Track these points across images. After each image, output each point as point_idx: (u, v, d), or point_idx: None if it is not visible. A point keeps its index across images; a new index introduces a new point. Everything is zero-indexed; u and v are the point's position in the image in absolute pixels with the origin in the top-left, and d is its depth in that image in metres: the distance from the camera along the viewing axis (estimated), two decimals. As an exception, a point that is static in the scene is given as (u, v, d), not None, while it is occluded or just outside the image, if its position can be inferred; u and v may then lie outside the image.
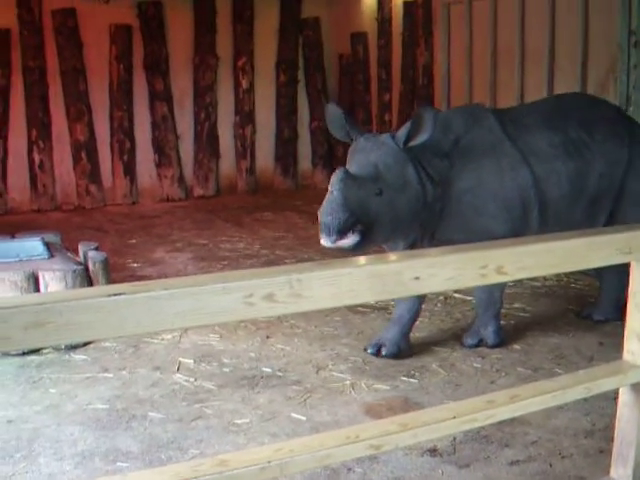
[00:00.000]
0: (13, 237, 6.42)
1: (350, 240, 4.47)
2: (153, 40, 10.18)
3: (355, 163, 4.73)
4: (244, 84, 10.62)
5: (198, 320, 2.08)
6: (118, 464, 3.89)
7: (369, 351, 5.13)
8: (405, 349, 5.11)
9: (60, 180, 9.84)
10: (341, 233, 4.44)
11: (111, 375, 4.88)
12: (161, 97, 10.21)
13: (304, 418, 4.29)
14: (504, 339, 5.26)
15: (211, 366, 4.98)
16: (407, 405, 4.38)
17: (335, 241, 4.45)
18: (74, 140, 9.88)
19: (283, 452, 2.50)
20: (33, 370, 5.00)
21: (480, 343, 5.22)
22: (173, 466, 3.08)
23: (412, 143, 4.68)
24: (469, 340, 5.25)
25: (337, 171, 4.56)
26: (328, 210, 4.47)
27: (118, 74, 10.10)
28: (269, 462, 2.43)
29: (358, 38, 10.74)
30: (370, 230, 4.54)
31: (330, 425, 4.14)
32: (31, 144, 9.73)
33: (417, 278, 2.42)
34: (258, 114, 10.75)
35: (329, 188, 4.52)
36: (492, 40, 8.37)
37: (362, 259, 2.49)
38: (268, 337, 5.41)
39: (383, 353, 5.07)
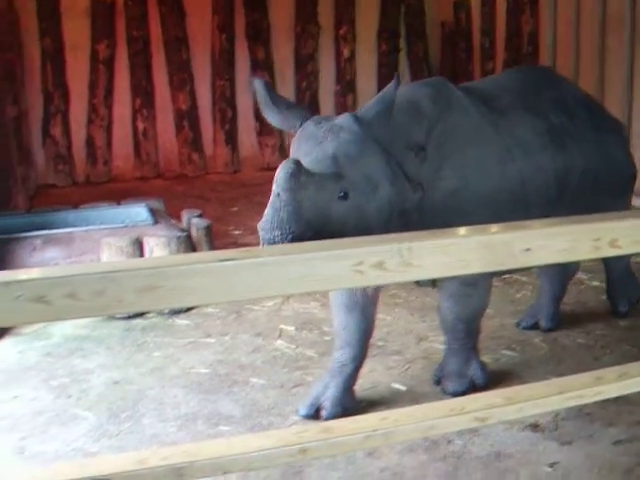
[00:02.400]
0: (118, 204, 6.56)
1: None
2: (255, 9, 10.18)
3: (305, 156, 3.51)
4: (345, 53, 10.55)
5: (307, 287, 2.08)
6: (220, 428, 3.95)
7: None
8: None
9: (163, 148, 9.98)
10: None
11: (213, 340, 4.95)
12: (262, 66, 10.22)
13: (404, 388, 4.27)
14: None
15: (312, 334, 5.00)
16: (509, 378, 4.31)
17: None
18: (177, 108, 10.00)
19: (388, 421, 2.49)
20: (138, 333, 5.12)
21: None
22: (278, 431, 3.11)
23: (384, 122, 3.62)
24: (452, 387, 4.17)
25: (284, 164, 3.39)
26: (274, 222, 3.31)
27: (220, 43, 10.15)
28: (374, 431, 2.43)
29: (461, 5, 10.53)
30: None
31: (430, 396, 4.11)
32: (135, 113, 9.89)
33: (528, 249, 2.36)
34: (359, 83, 10.68)
35: (273, 188, 3.38)
36: (601, 6, 8.08)
37: (471, 229, 2.44)
38: (368, 306, 5.39)
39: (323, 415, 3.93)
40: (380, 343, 4.80)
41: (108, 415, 4.10)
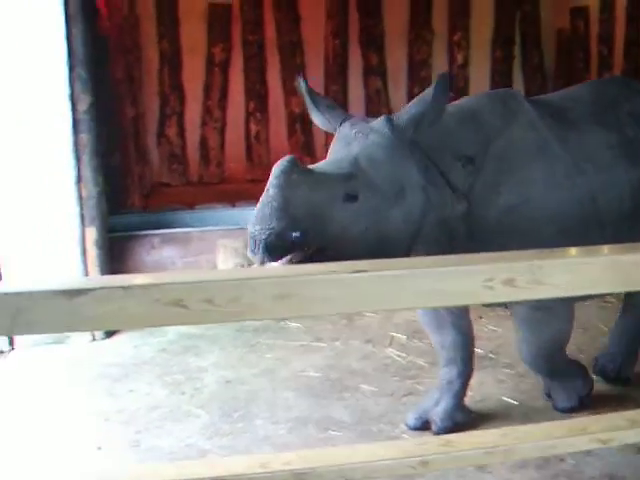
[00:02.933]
0: (233, 205, 6.68)
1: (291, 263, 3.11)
2: (369, 15, 10.18)
3: (330, 156, 3.50)
4: (459, 59, 10.46)
5: (437, 301, 2.08)
6: (330, 432, 3.99)
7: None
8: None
9: (275, 151, 10.07)
10: (273, 252, 3.09)
11: (324, 345, 4.99)
12: (375, 72, 10.22)
13: (516, 403, 4.22)
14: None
15: (423, 343, 4.98)
16: (628, 399, 4.20)
17: (264, 261, 3.10)
18: (289, 112, 10.08)
19: (508, 439, 2.47)
20: (250, 335, 5.20)
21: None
22: (399, 442, 3.11)
23: (423, 126, 3.42)
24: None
25: (280, 161, 3.30)
26: (258, 216, 3.17)
27: (333, 48, 10.20)
28: (494, 447, 2.40)
29: (578, 12, 10.30)
30: (333, 252, 3.09)
31: (542, 412, 4.05)
32: (248, 115, 10.02)
33: (662, 271, 2.29)
34: (472, 90, 10.56)
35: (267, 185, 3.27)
36: None
37: (605, 248, 2.39)
38: (480, 317, 5.33)
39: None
40: (491, 355, 4.76)
41: (220, 414, 4.18)
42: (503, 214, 3.59)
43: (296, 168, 3.23)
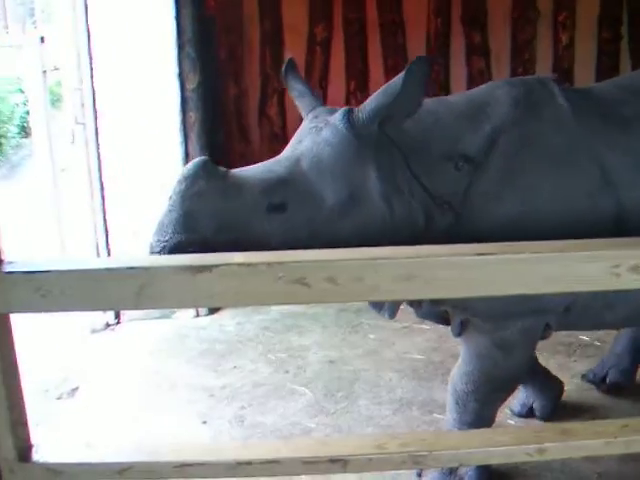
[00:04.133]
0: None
1: None
2: (471, -8, 10.03)
3: (283, 154, 3.01)
4: (564, 40, 10.18)
5: (562, 286, 2.03)
6: (435, 415, 3.96)
7: None
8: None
9: (374, 132, 10.03)
10: None
11: (427, 327, 4.95)
12: (478, 51, 10.06)
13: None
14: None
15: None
16: None
17: None
18: (390, 92, 10.01)
19: (629, 429, 2.39)
20: (352, 315, 5.20)
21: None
22: (516, 428, 3.08)
23: (392, 121, 2.89)
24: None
25: (189, 163, 2.83)
26: (157, 225, 2.68)
27: (436, 27, 10.07)
28: (615, 437, 2.34)
29: (692, -10, 9.92)
30: None
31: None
32: (349, 94, 9.96)
33: None
34: (577, 71, 10.29)
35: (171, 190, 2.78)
36: None
37: None
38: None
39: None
40: (597, 343, 4.66)
41: (324, 393, 4.20)
42: (505, 225, 2.94)
43: (206, 173, 2.73)
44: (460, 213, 2.95)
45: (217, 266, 1.92)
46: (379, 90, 2.95)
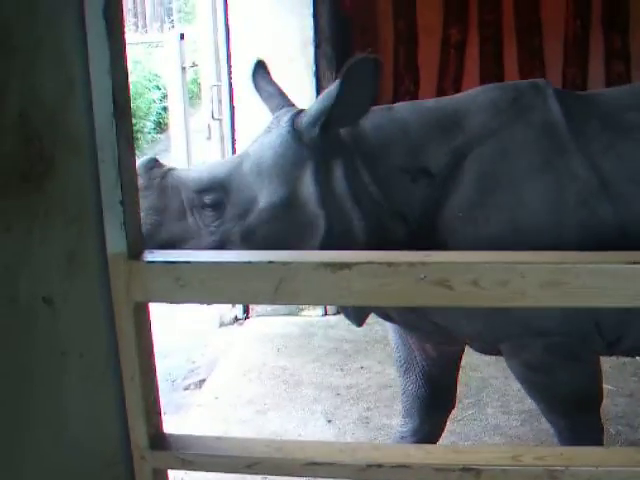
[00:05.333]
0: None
1: None
2: (613, -5, 9.72)
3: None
4: None
5: None
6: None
7: None
8: None
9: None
10: None
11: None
12: (618, 55, 9.73)
13: None
14: None
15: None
16: None
17: None
18: (524, 96, 9.81)
19: None
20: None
21: None
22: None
23: (333, 126, 2.76)
24: None
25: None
26: None
27: (574, 30, 9.79)
28: None
29: None
30: None
31: None
32: (482, 98, 9.84)
33: None
34: None
35: None
36: None
37: None
38: None
39: None
40: None
41: (452, 399, 4.12)
42: (472, 247, 2.67)
43: (146, 171, 2.76)
44: (420, 228, 2.79)
45: (357, 264, 1.88)
46: (322, 93, 2.86)
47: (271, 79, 3.16)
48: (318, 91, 5.22)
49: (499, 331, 2.83)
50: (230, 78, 5.24)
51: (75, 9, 1.75)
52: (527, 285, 1.85)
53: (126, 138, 1.89)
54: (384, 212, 2.80)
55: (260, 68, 3.18)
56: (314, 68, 5.18)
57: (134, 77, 12.41)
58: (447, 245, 2.74)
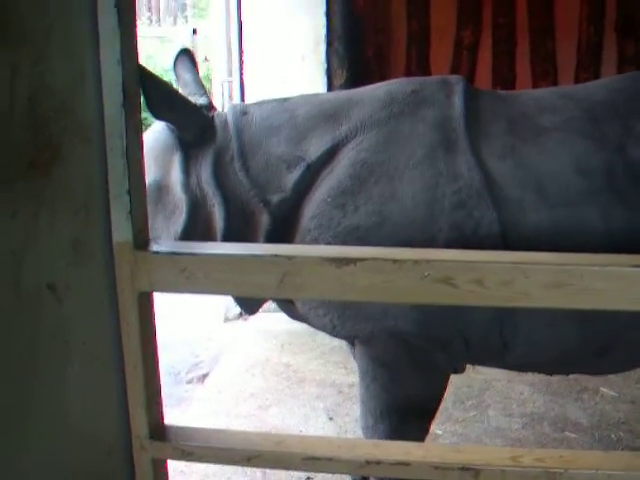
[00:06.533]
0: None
1: None
2: (628, 1, 9.68)
3: None
4: None
5: None
6: (566, 433, 3.83)
7: None
8: None
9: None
10: None
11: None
12: (631, 61, 9.71)
13: None
14: None
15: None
16: None
17: None
18: (536, 99, 9.79)
19: None
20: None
21: None
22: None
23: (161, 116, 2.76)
24: None
25: None
26: None
27: (588, 35, 9.77)
28: None
29: None
30: None
31: None
32: (493, 101, 9.83)
33: None
34: None
35: None
36: None
37: None
38: None
39: None
40: None
41: (454, 400, 4.12)
42: (345, 240, 2.63)
43: None
44: (287, 215, 2.79)
45: (362, 260, 1.88)
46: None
47: (192, 67, 3.19)
48: (330, 89, 5.23)
49: (353, 325, 2.75)
50: (242, 74, 5.25)
51: (87, -2, 1.76)
52: (531, 286, 1.85)
53: (135, 128, 1.90)
54: (251, 198, 2.82)
55: (184, 56, 3.21)
56: (326, 66, 5.18)
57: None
58: (310, 231, 2.71)
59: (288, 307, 3.03)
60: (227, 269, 1.97)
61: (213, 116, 2.97)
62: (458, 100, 2.77)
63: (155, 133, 2.92)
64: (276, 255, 1.95)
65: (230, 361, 4.75)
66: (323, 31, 5.19)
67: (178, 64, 3.20)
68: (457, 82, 2.87)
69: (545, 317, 2.59)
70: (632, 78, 3.01)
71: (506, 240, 2.57)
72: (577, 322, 2.60)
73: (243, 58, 5.26)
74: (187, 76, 3.15)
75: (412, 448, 2.23)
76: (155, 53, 14.10)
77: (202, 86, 3.15)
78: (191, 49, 3.48)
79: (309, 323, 3.00)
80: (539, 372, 3.06)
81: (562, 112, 2.76)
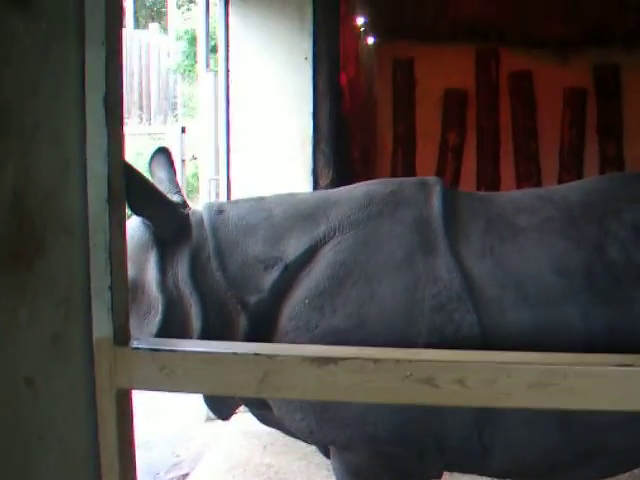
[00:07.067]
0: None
1: None
2: (608, 104, 9.94)
3: None
4: None
5: None
6: None
7: None
8: None
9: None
10: None
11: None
12: (612, 162, 9.91)
13: None
14: None
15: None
16: None
17: None
18: (520, 200, 9.93)
19: None
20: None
21: None
22: None
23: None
24: None
25: None
26: None
27: (570, 137, 10.00)
28: None
29: None
30: None
31: None
32: (479, 201, 9.96)
33: None
34: None
35: None
36: None
37: None
38: None
39: None
40: None
41: None
42: (322, 341, 2.59)
43: None
44: (264, 316, 2.75)
45: (343, 359, 1.87)
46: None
47: (169, 166, 3.21)
48: (315, 189, 5.29)
49: (330, 430, 2.71)
50: (228, 172, 5.31)
51: (75, 94, 1.78)
52: (514, 385, 1.84)
53: (118, 224, 1.90)
54: (228, 299, 2.79)
55: (160, 155, 3.24)
56: (312, 166, 5.25)
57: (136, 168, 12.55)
58: (288, 333, 2.68)
59: (262, 412, 2.99)
60: (207, 367, 1.95)
61: (188, 214, 2.98)
62: (437, 201, 2.79)
63: (130, 230, 2.83)
64: (257, 354, 1.93)
65: (211, 461, 4.66)
66: (309, 131, 5.27)
67: (154, 162, 3.22)
68: (435, 183, 2.90)
69: (526, 420, 2.57)
70: (608, 179, 3.10)
71: (486, 342, 2.54)
72: (559, 425, 2.58)
73: (230, 156, 5.33)
74: (162, 174, 3.16)
75: None
76: (145, 150, 14.28)
77: (176, 184, 3.17)
78: (170, 148, 3.53)
79: (284, 429, 2.96)
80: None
81: (540, 212, 2.78)
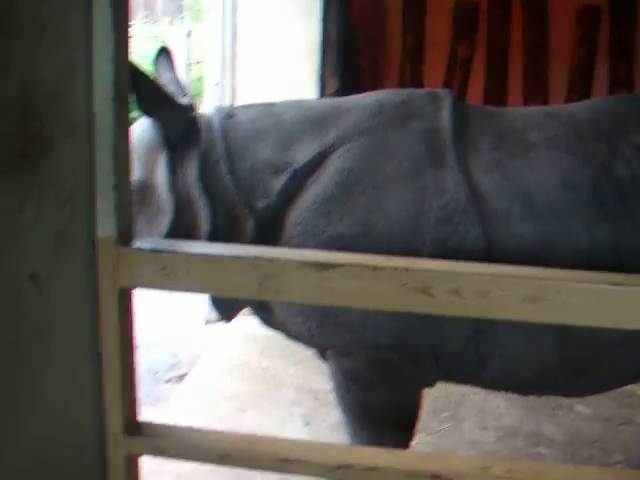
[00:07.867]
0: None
1: None
2: (621, 24, 9.76)
3: None
4: None
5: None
6: (539, 448, 3.85)
7: None
8: None
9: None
10: None
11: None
12: (622, 84, 9.78)
13: None
14: None
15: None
16: None
17: None
18: (526, 118, 9.85)
19: None
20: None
21: None
22: (628, 472, 2.95)
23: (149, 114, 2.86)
24: None
25: None
26: None
27: (580, 57, 9.85)
28: None
29: None
30: None
31: None
32: (483, 117, 9.87)
33: None
34: None
35: None
36: None
37: None
38: None
39: None
40: None
41: (429, 411, 4.13)
42: (328, 248, 2.59)
43: None
44: (271, 221, 2.78)
45: (342, 266, 1.90)
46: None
47: (171, 67, 3.17)
48: (321, 96, 5.25)
49: (330, 334, 2.76)
50: (233, 78, 5.27)
51: (83, -7, 1.78)
52: (506, 298, 1.88)
53: (124, 125, 1.91)
54: (237, 203, 2.81)
55: (163, 56, 3.19)
56: (319, 73, 5.21)
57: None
58: (294, 238, 2.72)
59: (265, 315, 3.05)
60: (208, 268, 1.99)
61: (197, 117, 2.97)
62: (446, 114, 2.78)
63: (140, 131, 2.87)
64: (257, 257, 1.97)
65: (209, 363, 4.76)
66: (318, 38, 5.21)
67: (158, 63, 3.17)
68: (445, 96, 2.90)
69: (524, 332, 2.62)
70: (614, 100, 3.06)
71: (490, 255, 2.57)
72: (556, 339, 2.63)
73: (236, 62, 5.28)
74: (168, 75, 3.12)
75: (384, 454, 2.25)
76: (149, 52, 14.12)
77: (183, 87, 3.13)
78: (176, 51, 3.49)
79: (286, 331, 3.02)
80: (513, 392, 3.06)
81: (548, 129, 2.79)
